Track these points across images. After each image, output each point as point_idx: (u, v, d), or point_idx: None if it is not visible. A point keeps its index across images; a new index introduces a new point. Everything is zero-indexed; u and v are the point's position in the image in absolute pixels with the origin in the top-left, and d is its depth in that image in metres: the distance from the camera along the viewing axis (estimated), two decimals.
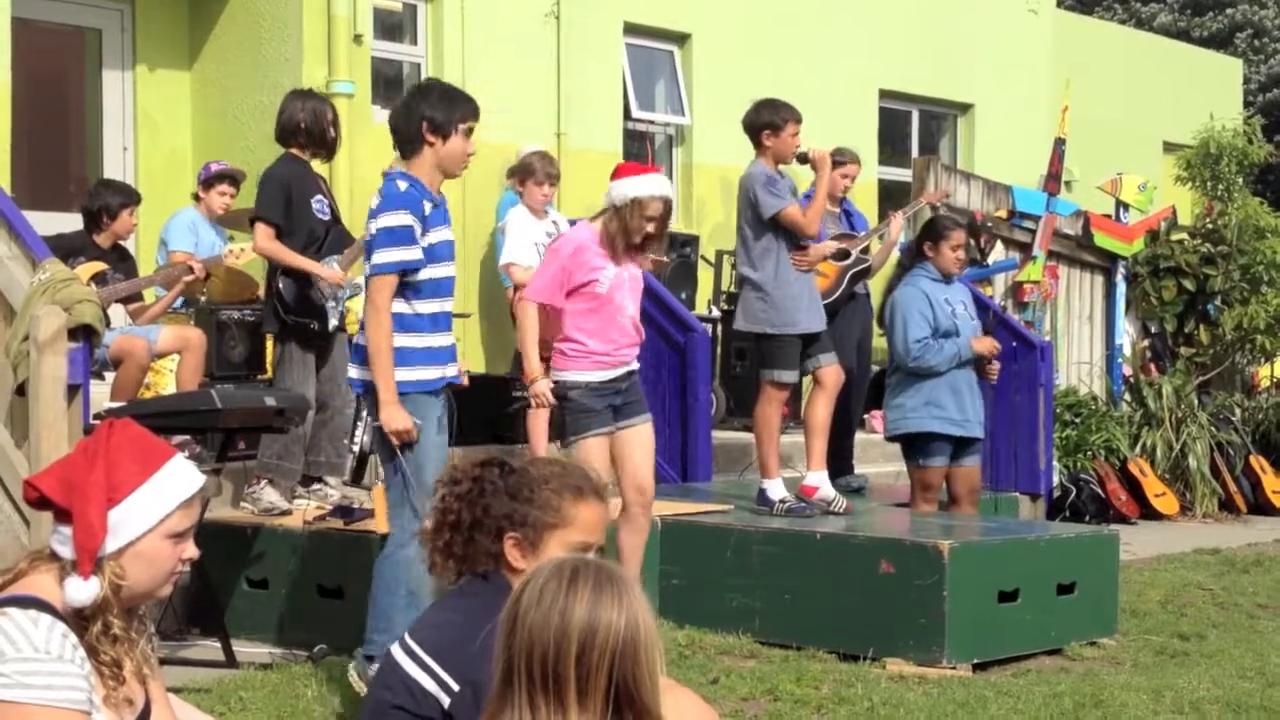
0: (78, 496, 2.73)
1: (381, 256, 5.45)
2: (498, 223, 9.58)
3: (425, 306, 5.54)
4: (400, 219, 5.43)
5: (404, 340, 5.50)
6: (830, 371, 7.69)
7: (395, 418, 5.42)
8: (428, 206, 5.51)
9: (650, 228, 6.30)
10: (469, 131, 5.56)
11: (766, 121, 7.63)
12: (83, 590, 2.71)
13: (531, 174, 8.72)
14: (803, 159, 7.68)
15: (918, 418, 7.85)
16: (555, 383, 6.30)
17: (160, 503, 2.81)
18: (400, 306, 5.50)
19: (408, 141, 5.58)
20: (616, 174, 6.45)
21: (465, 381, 5.90)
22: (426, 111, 5.52)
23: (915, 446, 7.95)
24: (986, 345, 7.94)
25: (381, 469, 5.74)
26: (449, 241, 5.65)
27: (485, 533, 3.19)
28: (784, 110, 7.67)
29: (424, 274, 5.51)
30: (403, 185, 5.51)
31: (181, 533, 2.86)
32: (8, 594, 2.74)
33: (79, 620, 2.74)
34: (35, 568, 2.79)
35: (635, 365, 6.45)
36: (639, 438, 6.41)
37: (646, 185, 6.26)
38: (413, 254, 5.44)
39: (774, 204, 7.48)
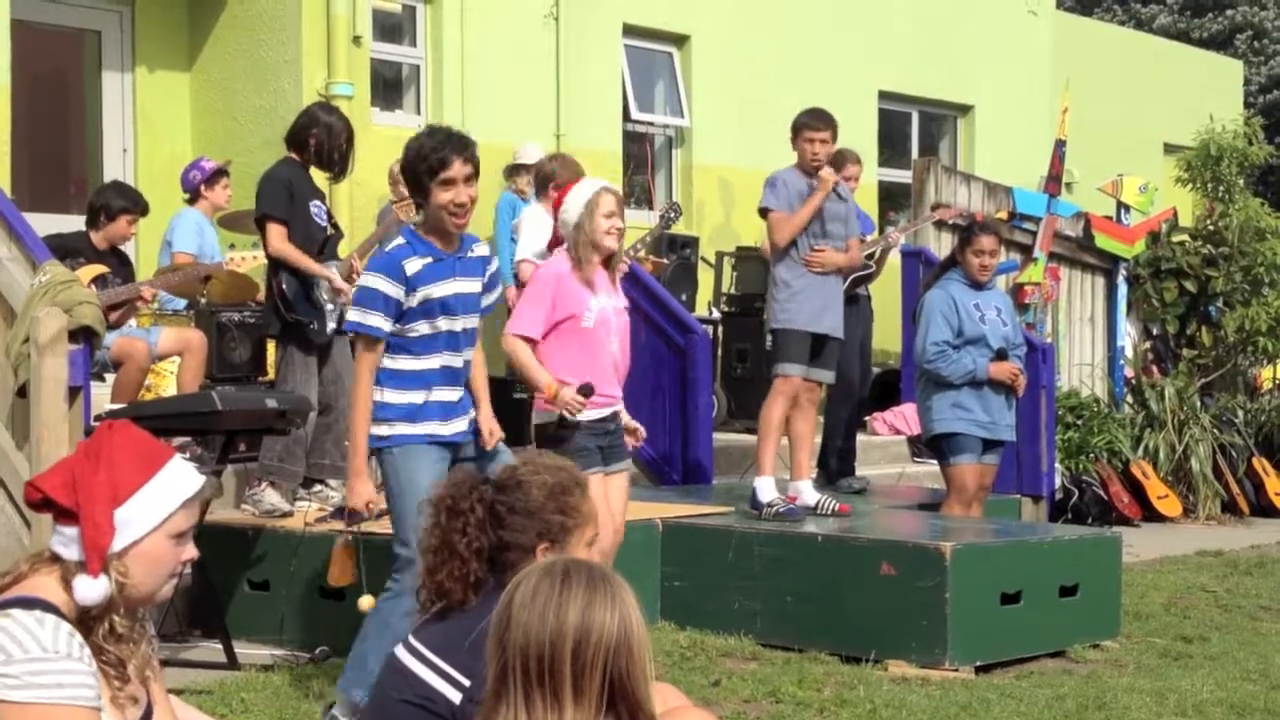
0: (84, 496, 2.75)
1: (349, 314, 5.38)
2: (511, 220, 9.49)
3: (426, 363, 5.32)
4: (372, 280, 5.26)
5: (404, 396, 5.30)
6: (816, 387, 7.75)
7: (355, 491, 5.30)
8: (415, 264, 5.24)
9: (617, 223, 6.01)
10: (445, 184, 5.23)
11: (793, 126, 7.80)
12: (93, 588, 2.73)
13: (553, 178, 8.58)
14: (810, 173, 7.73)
15: (944, 419, 7.86)
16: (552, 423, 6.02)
17: (163, 503, 2.83)
18: (405, 363, 5.31)
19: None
20: (558, 200, 6.27)
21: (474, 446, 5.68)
22: (404, 191, 5.54)
23: (943, 446, 7.95)
24: (1005, 372, 7.88)
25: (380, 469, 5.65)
26: (458, 295, 5.32)
27: (516, 551, 3.16)
28: (806, 115, 7.79)
29: (421, 330, 5.30)
30: (396, 243, 5.35)
31: (183, 533, 2.88)
32: (10, 595, 2.74)
33: (84, 621, 2.74)
34: (36, 569, 2.79)
35: (619, 405, 6.22)
36: (621, 484, 6.23)
37: (587, 187, 6.12)
38: (371, 320, 5.22)
39: (763, 202, 7.67)
